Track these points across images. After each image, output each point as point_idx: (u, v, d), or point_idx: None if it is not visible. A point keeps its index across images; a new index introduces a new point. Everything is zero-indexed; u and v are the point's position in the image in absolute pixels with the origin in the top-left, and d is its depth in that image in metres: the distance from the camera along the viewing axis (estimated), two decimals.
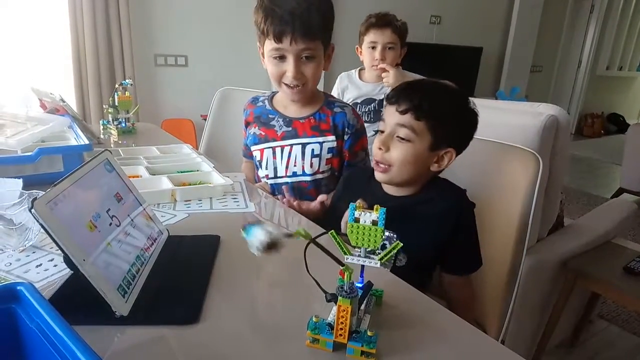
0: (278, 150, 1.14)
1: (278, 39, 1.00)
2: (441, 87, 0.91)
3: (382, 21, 1.70)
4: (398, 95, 0.87)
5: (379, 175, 0.91)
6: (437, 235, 0.88)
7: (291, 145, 1.13)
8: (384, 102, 0.92)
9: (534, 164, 0.95)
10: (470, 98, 0.90)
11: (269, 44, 1.03)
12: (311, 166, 1.13)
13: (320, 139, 1.13)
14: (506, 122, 1.29)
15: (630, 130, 3.42)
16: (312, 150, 1.13)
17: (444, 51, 4.26)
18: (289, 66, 1.03)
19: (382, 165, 0.89)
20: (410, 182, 0.90)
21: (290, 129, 1.14)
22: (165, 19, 3.01)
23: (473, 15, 4.56)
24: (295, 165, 1.14)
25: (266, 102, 1.20)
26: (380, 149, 0.88)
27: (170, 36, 3.05)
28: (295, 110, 1.15)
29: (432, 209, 0.89)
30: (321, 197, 1.06)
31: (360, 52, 1.79)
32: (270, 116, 1.17)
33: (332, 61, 1.14)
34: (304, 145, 1.13)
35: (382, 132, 0.90)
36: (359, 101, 1.78)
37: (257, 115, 1.19)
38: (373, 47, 1.71)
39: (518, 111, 1.34)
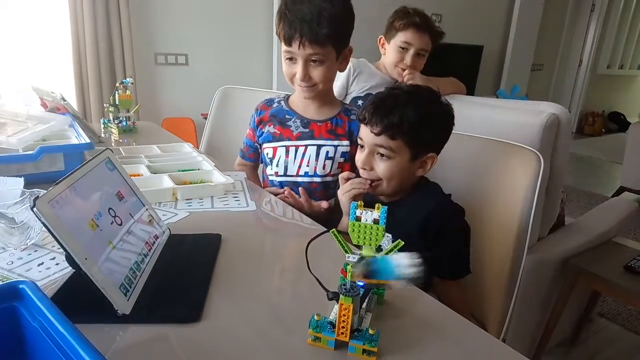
0: (292, 149, 1.16)
1: (288, 42, 1.05)
2: (411, 97, 0.88)
3: (425, 24, 1.53)
4: (370, 117, 0.88)
5: (369, 190, 0.93)
6: (422, 240, 0.87)
7: (306, 145, 1.16)
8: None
9: (535, 163, 0.95)
10: (441, 96, 0.90)
11: (282, 46, 1.08)
12: (324, 168, 1.16)
13: (336, 142, 1.16)
14: (507, 120, 1.29)
15: (631, 129, 3.41)
16: (327, 152, 1.15)
17: (444, 49, 4.21)
18: (298, 68, 1.07)
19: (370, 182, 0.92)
20: (400, 190, 0.94)
21: (307, 130, 1.16)
22: (166, 17, 3.00)
23: (474, 14, 4.55)
24: (307, 166, 1.16)
25: (282, 102, 1.23)
26: (364, 169, 0.91)
27: (171, 35, 3.05)
28: (313, 113, 1.18)
29: (417, 214, 0.89)
30: (325, 204, 1.10)
31: (383, 44, 1.62)
32: (288, 116, 1.19)
33: None
34: (319, 146, 1.15)
35: (362, 146, 0.92)
36: (373, 91, 1.61)
37: (273, 114, 1.21)
38: (404, 49, 1.56)
39: (519, 110, 1.34)
